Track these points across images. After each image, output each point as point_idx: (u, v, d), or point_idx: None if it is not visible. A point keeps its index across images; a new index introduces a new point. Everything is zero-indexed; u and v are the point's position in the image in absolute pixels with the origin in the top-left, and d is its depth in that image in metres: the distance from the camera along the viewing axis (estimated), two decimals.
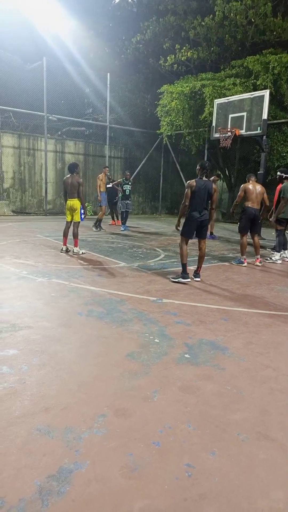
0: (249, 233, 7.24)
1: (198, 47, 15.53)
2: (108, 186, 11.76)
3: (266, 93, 11.02)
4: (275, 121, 12.53)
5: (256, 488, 1.83)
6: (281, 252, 7.79)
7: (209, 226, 10.65)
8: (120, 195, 11.99)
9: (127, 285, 5.31)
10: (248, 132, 11.45)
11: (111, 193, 12.19)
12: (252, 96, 11.39)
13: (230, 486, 1.83)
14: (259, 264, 7.09)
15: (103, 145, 16.64)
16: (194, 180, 5.48)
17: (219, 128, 12.07)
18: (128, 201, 11.60)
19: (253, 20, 13.72)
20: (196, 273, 5.77)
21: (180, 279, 5.54)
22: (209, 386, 2.72)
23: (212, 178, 10.86)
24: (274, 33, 13.78)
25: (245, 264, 7.10)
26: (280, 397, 2.62)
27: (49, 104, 14.29)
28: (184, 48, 15.43)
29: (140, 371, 2.87)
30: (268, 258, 7.70)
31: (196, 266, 5.86)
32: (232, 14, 13.82)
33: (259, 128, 11.09)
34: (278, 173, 7.89)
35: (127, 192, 11.56)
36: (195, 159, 17.60)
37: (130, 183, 11.77)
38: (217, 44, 15.19)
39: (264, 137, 11.32)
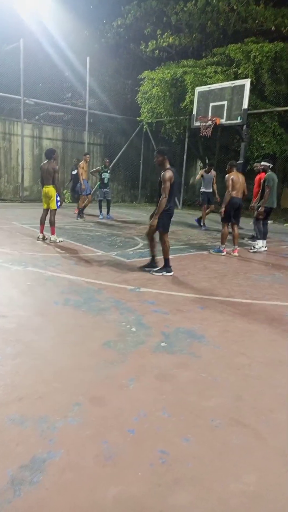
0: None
1: (180, 33, 15.36)
2: (73, 172, 11.66)
3: (247, 82, 11.01)
4: (256, 111, 12.57)
5: (229, 472, 1.87)
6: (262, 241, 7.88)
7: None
8: (97, 183, 11.82)
9: (105, 274, 5.28)
10: (229, 121, 11.44)
11: (74, 181, 12.06)
12: (233, 85, 11.36)
13: (204, 471, 1.86)
14: (237, 255, 7.18)
15: (82, 131, 16.31)
16: (169, 170, 5.18)
17: (200, 116, 12.01)
18: (106, 190, 11.45)
19: (235, 7, 13.64)
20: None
21: (164, 272, 5.47)
22: (185, 373, 2.74)
23: (207, 168, 10.67)
24: (256, 21, 13.76)
25: (224, 253, 7.17)
26: (253, 383, 2.67)
27: (26, 87, 13.85)
28: (165, 33, 15.21)
29: (117, 360, 2.87)
30: (252, 247, 7.75)
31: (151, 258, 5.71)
32: (214, 0, 13.69)
33: (239, 117, 11.10)
34: (264, 163, 7.94)
35: (106, 181, 11.40)
36: (176, 147, 17.56)
37: (109, 171, 11.62)
38: (199, 31, 15.05)
39: (244, 126, 11.37)
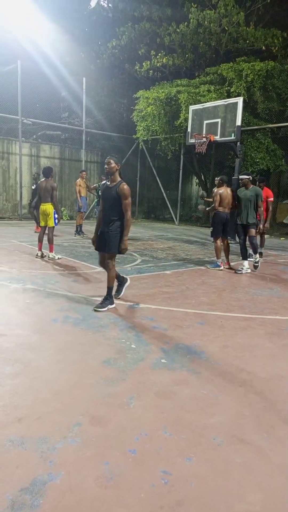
0: None
1: (173, 53, 15.73)
2: (33, 187, 11.40)
3: (240, 100, 11.24)
4: (249, 128, 12.80)
5: (233, 491, 1.83)
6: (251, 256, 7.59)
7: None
8: (95, 200, 11.86)
9: (103, 290, 5.25)
10: (223, 138, 11.63)
11: (33, 196, 11.84)
12: (226, 103, 11.60)
13: (207, 491, 1.82)
14: (228, 267, 7.29)
15: (79, 149, 16.54)
16: (125, 183, 4.52)
17: (194, 134, 12.21)
18: None
19: (226, 28, 14.01)
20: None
21: (109, 305, 4.52)
22: (186, 390, 2.72)
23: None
24: (247, 41, 14.12)
25: (222, 267, 7.19)
26: (255, 400, 2.65)
27: (24, 108, 14.11)
28: (159, 54, 15.59)
29: (117, 378, 2.84)
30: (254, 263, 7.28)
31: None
32: (206, 22, 14.07)
33: (233, 134, 11.28)
34: (243, 176, 7.03)
35: None
36: (171, 164, 17.76)
37: None
38: (192, 51, 15.42)
39: (238, 143, 11.54)
